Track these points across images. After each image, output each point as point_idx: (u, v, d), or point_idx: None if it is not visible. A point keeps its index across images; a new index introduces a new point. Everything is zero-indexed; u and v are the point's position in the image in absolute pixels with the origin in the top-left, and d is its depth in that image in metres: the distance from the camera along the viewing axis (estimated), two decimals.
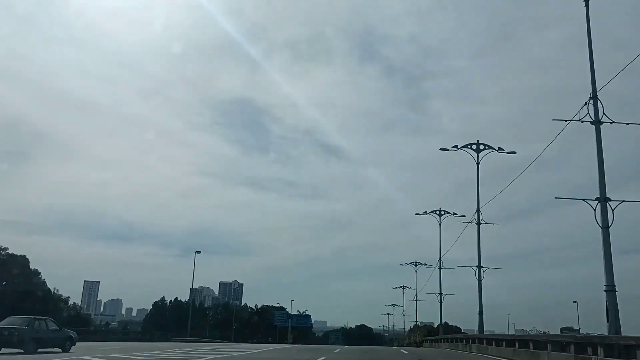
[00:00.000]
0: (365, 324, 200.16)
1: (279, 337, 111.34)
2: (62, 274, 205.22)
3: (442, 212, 50.01)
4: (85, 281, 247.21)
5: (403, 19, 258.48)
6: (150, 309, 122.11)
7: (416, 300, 71.32)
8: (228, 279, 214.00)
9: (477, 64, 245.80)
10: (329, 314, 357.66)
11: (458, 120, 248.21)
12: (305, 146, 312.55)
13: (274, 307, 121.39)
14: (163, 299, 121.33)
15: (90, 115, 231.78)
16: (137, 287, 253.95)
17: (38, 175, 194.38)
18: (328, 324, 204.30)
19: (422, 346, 57.83)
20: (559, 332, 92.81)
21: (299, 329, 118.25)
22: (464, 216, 42.87)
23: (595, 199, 18.02)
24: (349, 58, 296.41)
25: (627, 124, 19.26)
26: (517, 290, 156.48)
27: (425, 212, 50.88)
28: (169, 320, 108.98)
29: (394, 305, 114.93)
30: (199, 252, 67.99)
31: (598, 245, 17.86)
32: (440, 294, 52.64)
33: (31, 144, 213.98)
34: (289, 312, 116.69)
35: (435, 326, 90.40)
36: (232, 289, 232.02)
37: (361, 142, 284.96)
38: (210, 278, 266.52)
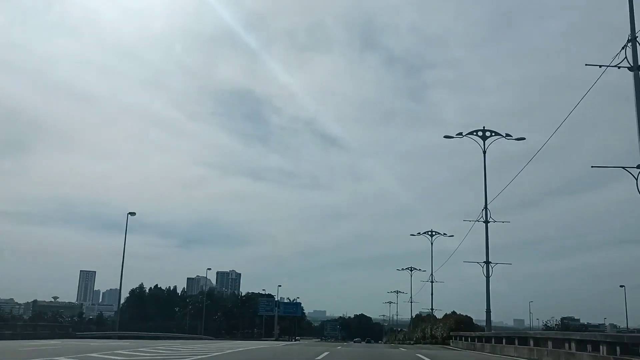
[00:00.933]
0: (365, 314, 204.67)
1: (265, 328, 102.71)
2: (60, 264, 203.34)
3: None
4: (81, 271, 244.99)
5: (403, 8, 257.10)
6: (127, 298, 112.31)
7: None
8: (227, 268, 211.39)
9: (478, 53, 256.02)
10: (329, 303, 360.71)
11: (458, 110, 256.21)
12: (304, 136, 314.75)
13: (260, 294, 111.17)
14: (141, 286, 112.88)
15: (90, 105, 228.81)
16: (137, 277, 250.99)
17: (38, 166, 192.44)
18: (327, 314, 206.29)
19: (448, 344, 39.24)
20: (559, 323, 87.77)
21: (288, 318, 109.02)
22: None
23: (637, 167, 16.46)
24: (349, 48, 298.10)
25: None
26: (516, 280, 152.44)
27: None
28: (148, 309, 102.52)
29: (397, 292, 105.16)
30: (280, 285, 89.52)
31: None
32: (432, 309, 57.17)
33: (30, 134, 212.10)
34: (277, 300, 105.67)
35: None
36: (229, 279, 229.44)
37: (361, 133, 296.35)
38: (208, 267, 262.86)
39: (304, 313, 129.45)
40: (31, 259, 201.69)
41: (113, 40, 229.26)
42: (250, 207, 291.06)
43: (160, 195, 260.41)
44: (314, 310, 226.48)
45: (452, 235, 51.61)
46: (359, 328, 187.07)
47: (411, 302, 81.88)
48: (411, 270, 75.01)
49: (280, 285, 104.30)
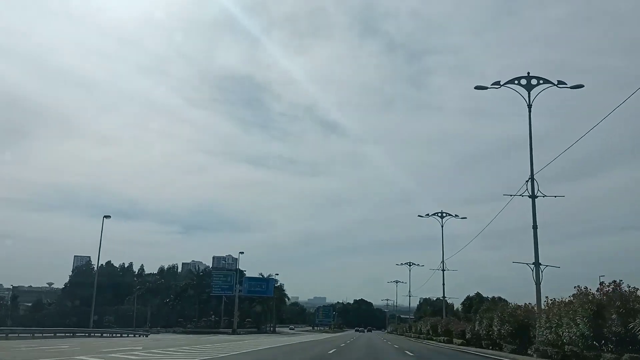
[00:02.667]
0: (365, 299, 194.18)
1: (224, 314, 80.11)
2: (60, 251, 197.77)
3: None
4: (75, 256, 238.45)
5: None
6: (70, 277, 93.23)
7: (443, 270, 47.03)
8: (222, 253, 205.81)
9: (480, 39, 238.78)
10: (329, 290, 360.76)
11: (459, 96, 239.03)
12: (305, 123, 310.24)
13: (217, 269, 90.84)
14: (89, 262, 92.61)
15: (90, 92, 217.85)
16: (137, 264, 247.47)
17: (38, 152, 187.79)
18: (327, 300, 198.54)
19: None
20: None
21: (254, 300, 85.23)
22: (465, 218, 49.97)
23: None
24: (350, 33, 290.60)
25: (555, 196, 24.69)
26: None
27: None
28: (97, 290, 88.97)
29: (396, 282, 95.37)
30: (242, 252, 63.90)
31: None
32: (444, 297, 51.57)
33: (30, 120, 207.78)
34: (237, 275, 77.60)
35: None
36: (226, 264, 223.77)
37: (361, 119, 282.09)
38: (208, 254, 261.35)
39: (286, 294, 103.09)
40: (30, 246, 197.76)
41: (113, 26, 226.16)
42: (250, 194, 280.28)
43: (160, 182, 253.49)
44: (314, 297, 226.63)
45: (465, 217, 50.16)
46: (357, 314, 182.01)
47: (409, 297, 77.39)
48: (410, 265, 70.32)
49: (242, 252, 79.67)
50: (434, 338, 42.62)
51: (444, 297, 50.07)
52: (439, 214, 49.80)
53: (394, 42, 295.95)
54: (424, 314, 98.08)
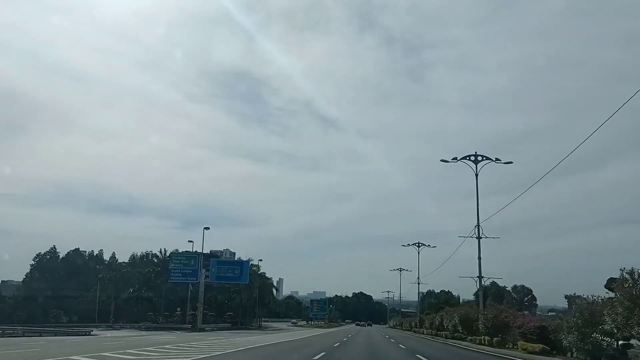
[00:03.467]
0: (364, 292, 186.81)
1: (190, 307, 66.76)
2: (58, 247, 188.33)
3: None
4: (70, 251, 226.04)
5: None
6: (32, 266, 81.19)
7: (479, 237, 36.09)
8: (220, 247, 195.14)
9: (477, 32, 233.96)
10: (329, 284, 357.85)
11: (458, 90, 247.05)
12: (303, 118, 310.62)
13: (178, 253, 69.67)
14: (54, 250, 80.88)
15: (87, 87, 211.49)
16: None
17: (35, 147, 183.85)
18: (327, 295, 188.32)
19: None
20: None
21: (217, 289, 71.92)
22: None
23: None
24: (347, 27, 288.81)
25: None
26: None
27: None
28: (61, 280, 75.52)
29: (400, 269, 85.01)
30: (207, 228, 60.03)
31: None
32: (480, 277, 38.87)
33: (27, 115, 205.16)
34: (201, 257, 62.32)
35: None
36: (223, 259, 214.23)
37: (360, 113, 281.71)
38: (206, 249, 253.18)
39: (272, 284, 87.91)
40: (27, 241, 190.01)
41: (110, 21, 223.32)
42: (249, 189, 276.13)
43: (159, 177, 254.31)
44: (314, 292, 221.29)
45: (511, 162, 47.71)
46: (357, 308, 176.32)
47: (419, 283, 67.29)
48: (419, 246, 63.63)
49: (207, 228, 62.08)
50: (467, 338, 29.80)
51: (480, 276, 32.31)
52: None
53: (392, 35, 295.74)
54: (426, 308, 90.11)
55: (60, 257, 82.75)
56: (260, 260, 75.84)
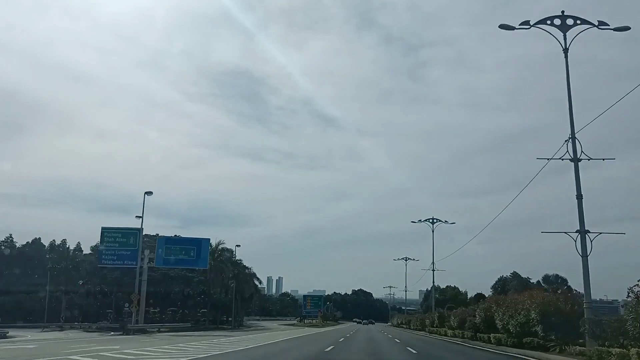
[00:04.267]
0: (364, 289, 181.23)
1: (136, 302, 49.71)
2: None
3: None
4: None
5: None
6: None
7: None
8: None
9: (476, 31, 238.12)
10: (329, 283, 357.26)
11: (456, 88, 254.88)
12: (302, 117, 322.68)
13: (112, 228, 51.56)
14: (11, 239, 68.95)
15: (87, 87, 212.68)
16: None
17: (35, 147, 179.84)
18: (327, 293, 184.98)
19: None
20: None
21: (175, 279, 59.99)
22: (454, 223, 55.89)
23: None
24: (346, 26, 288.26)
25: (603, 159, 21.75)
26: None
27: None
28: (16, 275, 63.91)
29: (406, 258, 78.69)
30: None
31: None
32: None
33: (27, 115, 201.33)
34: (140, 235, 47.80)
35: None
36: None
37: (359, 112, 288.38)
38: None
39: (254, 275, 71.05)
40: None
41: (109, 20, 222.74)
42: (249, 188, 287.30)
43: (159, 176, 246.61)
44: (313, 290, 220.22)
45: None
46: (357, 305, 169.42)
47: (433, 270, 57.33)
48: (433, 222, 58.76)
49: (148, 193, 49.10)
50: (554, 346, 17.82)
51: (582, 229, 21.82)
52: (430, 220, 54.44)
53: (391, 34, 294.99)
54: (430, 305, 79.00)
55: (17, 247, 71.64)
56: (238, 246, 62.89)
